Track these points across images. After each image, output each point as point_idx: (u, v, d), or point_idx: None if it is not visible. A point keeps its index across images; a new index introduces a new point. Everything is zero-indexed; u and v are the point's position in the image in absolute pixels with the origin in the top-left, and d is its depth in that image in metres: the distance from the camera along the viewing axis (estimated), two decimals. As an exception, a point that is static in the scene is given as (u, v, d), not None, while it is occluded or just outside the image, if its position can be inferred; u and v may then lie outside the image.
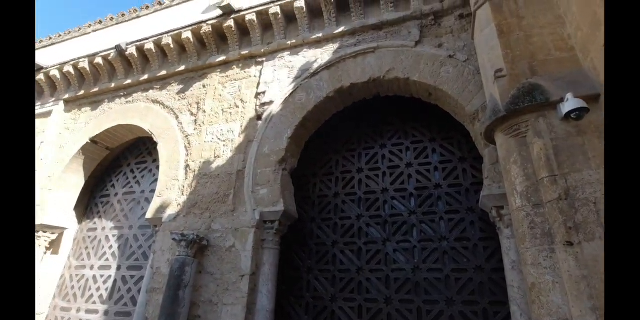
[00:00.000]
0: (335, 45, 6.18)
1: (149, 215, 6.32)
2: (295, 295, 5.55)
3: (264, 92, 6.37)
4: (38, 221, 7.43)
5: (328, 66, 5.99)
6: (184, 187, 6.29)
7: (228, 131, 6.40)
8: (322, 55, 6.20)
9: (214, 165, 6.19)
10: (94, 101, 8.71)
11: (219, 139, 6.42)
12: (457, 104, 4.98)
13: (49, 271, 7.61)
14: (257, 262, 5.21)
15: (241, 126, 6.33)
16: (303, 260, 5.75)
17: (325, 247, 5.71)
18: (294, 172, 5.99)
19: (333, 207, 5.94)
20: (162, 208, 6.26)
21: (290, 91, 6.07)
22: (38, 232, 7.45)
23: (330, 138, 6.46)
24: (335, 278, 5.43)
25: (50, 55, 10.12)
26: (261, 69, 6.64)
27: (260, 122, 6.15)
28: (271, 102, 6.19)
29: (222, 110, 6.69)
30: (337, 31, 6.20)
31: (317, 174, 6.31)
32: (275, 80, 6.35)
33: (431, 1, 5.70)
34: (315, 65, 6.11)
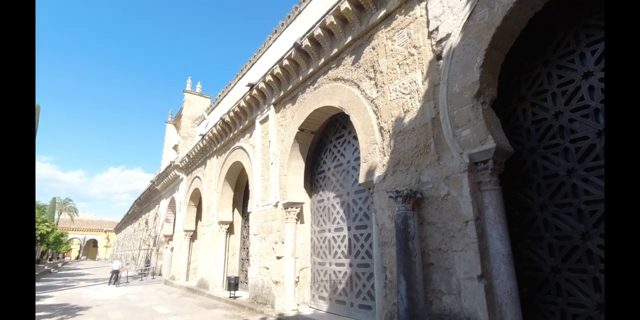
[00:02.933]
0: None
1: (360, 180, 6.92)
2: (533, 237, 4.82)
3: (436, 28, 5.77)
4: (284, 200, 9.49)
5: (508, -35, 4.79)
6: (383, 148, 6.54)
7: (410, 83, 6.18)
8: (495, -44, 5.02)
9: (406, 120, 6.12)
10: (292, 97, 10.27)
11: (402, 93, 6.30)
12: None
13: (303, 236, 9.61)
14: (479, 206, 4.81)
15: (422, 73, 5.98)
16: (532, 198, 4.91)
17: (557, 179, 4.67)
18: (495, 102, 5.18)
19: (557, 130, 4.78)
20: (370, 172, 6.72)
21: (467, 14, 5.23)
22: (287, 208, 9.48)
23: (531, 50, 5.21)
24: (582, 212, 4.37)
25: (255, 73, 12.66)
26: (426, 5, 6.04)
27: (441, 62, 5.62)
28: (448, 36, 5.54)
29: (398, 64, 6.51)
30: None
31: (524, 97, 5.23)
32: (446, 9, 5.63)
33: None
34: (490, -28, 5.01)
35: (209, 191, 16.05)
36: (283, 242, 9.30)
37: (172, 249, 20.91)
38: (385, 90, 6.68)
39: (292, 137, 9.74)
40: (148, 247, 28.56)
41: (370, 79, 7.19)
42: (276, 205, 9.86)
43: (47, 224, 31.46)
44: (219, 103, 17.25)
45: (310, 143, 10.06)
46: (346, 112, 7.76)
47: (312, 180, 10.28)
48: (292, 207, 9.45)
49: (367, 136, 6.93)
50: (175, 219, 22.55)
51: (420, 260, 5.18)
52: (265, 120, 11.48)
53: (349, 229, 8.37)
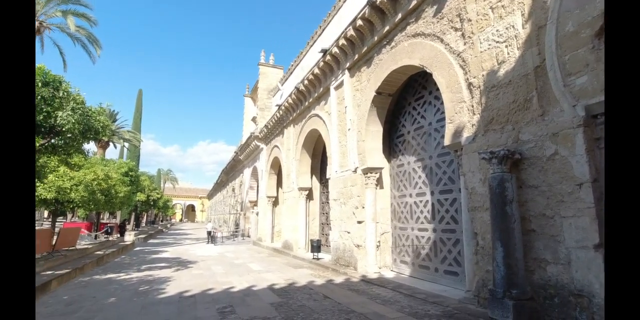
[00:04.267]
0: None
1: (446, 142, 6.46)
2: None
3: (544, -44, 4.82)
4: (363, 165, 9.43)
5: None
6: (472, 106, 5.94)
7: (506, 28, 5.38)
8: None
9: (501, 73, 5.42)
10: (367, 59, 9.82)
11: (496, 42, 5.53)
12: None
13: (383, 201, 9.57)
14: (596, 166, 4.14)
15: (522, 15, 5.13)
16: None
17: None
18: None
19: None
20: (457, 133, 6.22)
21: None
22: (366, 173, 9.43)
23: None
24: None
25: (327, 38, 12.35)
26: None
27: (549, -3, 4.73)
28: (560, -36, 4.58)
29: (491, 8, 5.68)
30: None
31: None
32: None
33: None
34: None
35: (287, 159, 16.77)
36: (363, 207, 9.38)
37: (257, 214, 22.78)
38: (475, 40, 5.94)
39: (369, 102, 9.44)
40: (236, 211, 31.57)
41: (456, 30, 6.44)
42: (355, 171, 9.88)
43: (156, 191, 36.56)
44: (292, 73, 17.43)
45: (388, 106, 9.66)
46: (428, 70, 7.17)
47: (391, 145, 9.99)
48: (371, 173, 9.38)
49: (453, 94, 6.35)
50: (258, 186, 24.30)
51: (519, 227, 4.75)
52: (340, 86, 11.27)
53: (432, 193, 8.05)
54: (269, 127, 19.69)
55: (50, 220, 18.83)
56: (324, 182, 14.55)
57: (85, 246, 13.70)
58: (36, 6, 18.58)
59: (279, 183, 19.89)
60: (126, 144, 33.05)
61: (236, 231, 28.25)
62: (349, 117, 10.46)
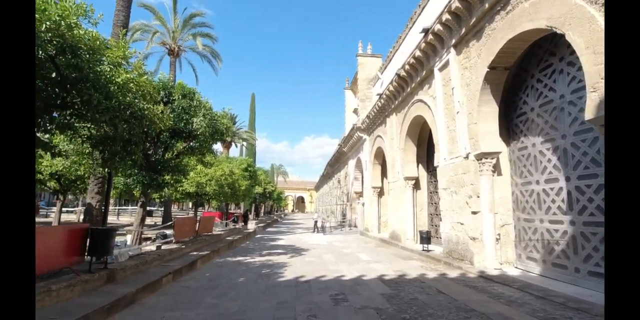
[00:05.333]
0: None
1: (588, 115, 5.29)
2: None
3: None
4: (476, 151, 8.51)
5: None
6: (623, 68, 4.71)
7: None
8: None
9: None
10: (476, 32, 8.76)
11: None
12: None
13: (502, 189, 8.49)
14: None
15: None
16: None
17: None
18: None
19: None
20: (603, 102, 5.03)
21: None
22: (480, 159, 8.50)
23: None
24: None
25: (427, 17, 11.48)
26: None
27: None
28: None
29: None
30: None
31: None
32: None
33: None
34: None
35: (391, 149, 16.37)
36: (478, 196, 8.49)
37: (362, 204, 22.98)
38: (627, -17, 4.66)
39: (480, 79, 8.43)
40: (342, 202, 32.47)
41: (597, -26, 5.17)
42: (467, 157, 9.00)
43: (271, 184, 40.21)
44: (391, 59, 16.84)
45: (504, 83, 8.47)
46: (558, 31, 5.97)
47: (509, 126, 8.76)
48: (486, 158, 8.40)
49: (596, 56, 5.14)
50: (362, 177, 24.45)
51: None
52: (445, 66, 10.37)
53: (567, 179, 6.76)
54: (371, 117, 19.50)
55: (193, 210, 22.48)
56: (431, 170, 13.73)
57: (219, 232, 15.89)
58: (174, 34, 22.30)
59: (384, 173, 19.60)
60: (244, 143, 37.17)
61: (343, 221, 29.08)
62: (457, 99, 9.55)
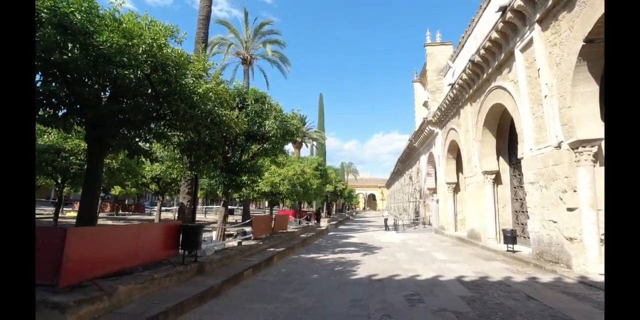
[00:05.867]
0: None
1: None
2: None
3: None
4: (571, 138, 7.49)
5: None
6: None
7: None
8: None
9: None
10: (566, 1, 7.71)
11: None
12: None
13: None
14: None
15: None
16: None
17: None
18: None
19: None
20: None
21: None
22: (576, 148, 7.47)
23: None
24: None
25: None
26: None
27: None
28: None
29: None
30: None
31: None
32: None
33: None
34: None
35: (466, 141, 15.28)
36: (574, 191, 7.47)
37: (437, 201, 21.86)
38: None
39: (574, 55, 7.40)
40: (415, 199, 31.32)
41: None
42: (558, 147, 7.98)
43: (341, 182, 40.65)
44: (463, 46, 15.71)
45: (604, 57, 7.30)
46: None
47: (613, 110, 7.53)
48: (584, 146, 7.35)
49: None
50: (435, 173, 23.28)
51: None
52: (529, 45, 9.33)
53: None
54: (443, 109, 18.46)
55: (269, 208, 23.78)
56: (514, 163, 12.49)
57: (293, 230, 16.54)
58: (246, 44, 23.89)
59: (459, 168, 18.41)
60: (314, 143, 38.08)
61: (416, 219, 28.04)
62: (545, 81, 8.52)
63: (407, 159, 36.77)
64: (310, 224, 21.68)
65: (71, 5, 4.50)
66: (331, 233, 21.01)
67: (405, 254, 11.31)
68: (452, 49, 20.69)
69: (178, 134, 7.14)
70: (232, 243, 10.03)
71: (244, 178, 10.55)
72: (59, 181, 13.85)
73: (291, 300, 5.60)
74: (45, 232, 4.30)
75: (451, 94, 16.21)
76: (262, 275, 7.81)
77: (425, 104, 26.53)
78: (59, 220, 15.73)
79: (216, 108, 6.74)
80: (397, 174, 49.39)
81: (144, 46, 4.97)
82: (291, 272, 8.13)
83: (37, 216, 20.65)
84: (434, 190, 23.77)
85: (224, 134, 8.16)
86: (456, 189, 19.10)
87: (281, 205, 37.59)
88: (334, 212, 50.62)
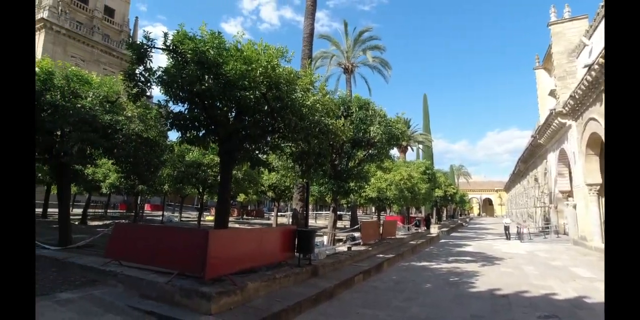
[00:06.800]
0: None
1: None
2: None
3: None
4: None
5: None
6: None
7: None
8: None
9: None
10: None
11: None
12: None
13: None
14: None
15: None
16: None
17: None
18: None
19: None
20: None
21: None
22: None
23: None
24: None
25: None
26: None
27: None
28: None
29: None
30: None
31: None
32: None
33: None
34: None
35: (612, 136, 12.60)
36: None
37: (574, 206, 18.50)
38: None
39: None
40: (543, 204, 27.11)
41: None
42: None
43: (452, 186, 38.03)
44: (603, 17, 13.12)
45: None
46: None
47: None
48: None
49: None
50: (570, 173, 19.79)
51: None
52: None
53: None
54: (577, 96, 15.66)
55: (376, 214, 23.75)
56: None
57: (402, 236, 16.15)
58: (347, 53, 24.76)
59: (604, 166, 15.26)
60: (420, 146, 36.63)
61: (546, 227, 24.16)
62: None
63: (530, 158, 32.23)
64: (419, 231, 20.83)
65: (207, 44, 5.41)
66: (443, 240, 19.77)
67: (535, 268, 9.90)
68: (586, 23, 17.49)
69: (290, 144, 7.80)
70: (342, 248, 10.35)
71: (352, 184, 10.82)
72: (200, 190, 16.55)
73: (404, 309, 5.50)
74: (193, 234, 5.21)
75: (588, 78, 13.64)
76: (372, 281, 7.85)
77: (552, 93, 22.94)
78: (201, 223, 18.74)
79: (323, 118, 7.14)
80: (518, 175, 43.69)
81: (260, 69, 5.62)
82: (402, 280, 7.96)
83: (184, 219, 25.00)
84: (568, 193, 20.24)
85: (331, 142, 8.56)
86: (601, 191, 15.86)
87: (388, 210, 37.10)
88: (444, 218, 47.54)
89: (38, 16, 31.55)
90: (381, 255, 10.54)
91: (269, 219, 35.12)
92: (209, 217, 27.10)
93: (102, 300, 4.69)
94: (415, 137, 34.38)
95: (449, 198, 38.03)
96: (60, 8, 33.49)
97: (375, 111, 10.73)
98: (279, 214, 27.55)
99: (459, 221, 44.71)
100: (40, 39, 31.67)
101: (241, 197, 28.25)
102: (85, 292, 4.95)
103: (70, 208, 11.74)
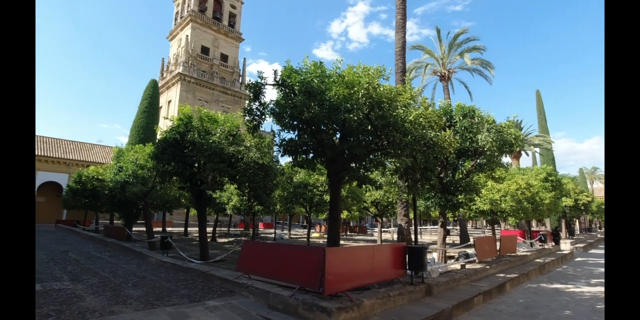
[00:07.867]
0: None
1: None
2: None
3: None
4: None
5: None
6: None
7: None
8: None
9: None
10: None
11: None
12: None
13: None
14: None
15: None
16: None
17: None
18: None
19: None
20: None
21: None
22: None
23: None
24: None
25: None
26: None
27: None
28: None
29: None
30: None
31: None
32: None
33: None
34: None
35: None
36: None
37: None
38: None
39: None
40: None
41: None
42: None
43: (584, 193, 32.17)
44: None
45: None
46: None
47: None
48: None
49: None
50: None
51: None
52: None
53: None
54: None
55: (489, 228, 21.59)
56: None
57: (524, 253, 14.30)
58: (442, 60, 23.88)
59: None
60: (537, 149, 32.25)
61: None
62: None
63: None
64: (545, 247, 18.12)
65: (311, 74, 5.94)
66: (579, 259, 16.79)
67: None
68: None
69: (394, 160, 7.81)
70: (455, 266, 9.71)
71: (460, 197, 10.17)
72: (307, 208, 17.60)
73: (541, 341, 4.87)
74: (312, 251, 5.60)
75: None
76: (494, 303, 7.16)
77: None
78: (310, 240, 19.84)
79: (426, 131, 7.00)
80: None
81: (362, 91, 5.88)
82: (532, 304, 7.05)
83: (293, 236, 26.70)
84: None
85: (436, 155, 8.29)
86: None
87: (503, 224, 33.33)
88: (577, 232, 40.32)
89: (175, 71, 41.06)
90: (502, 275, 9.52)
91: (372, 235, 34.95)
92: (314, 234, 28.28)
93: (239, 308, 5.37)
94: (530, 139, 30.42)
95: (582, 208, 32.20)
96: (190, 62, 42.10)
97: (482, 118, 9.97)
98: (382, 230, 27.27)
99: (599, 235, 37.35)
100: (177, 89, 41.06)
101: (344, 214, 28.88)
102: (226, 301, 5.74)
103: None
